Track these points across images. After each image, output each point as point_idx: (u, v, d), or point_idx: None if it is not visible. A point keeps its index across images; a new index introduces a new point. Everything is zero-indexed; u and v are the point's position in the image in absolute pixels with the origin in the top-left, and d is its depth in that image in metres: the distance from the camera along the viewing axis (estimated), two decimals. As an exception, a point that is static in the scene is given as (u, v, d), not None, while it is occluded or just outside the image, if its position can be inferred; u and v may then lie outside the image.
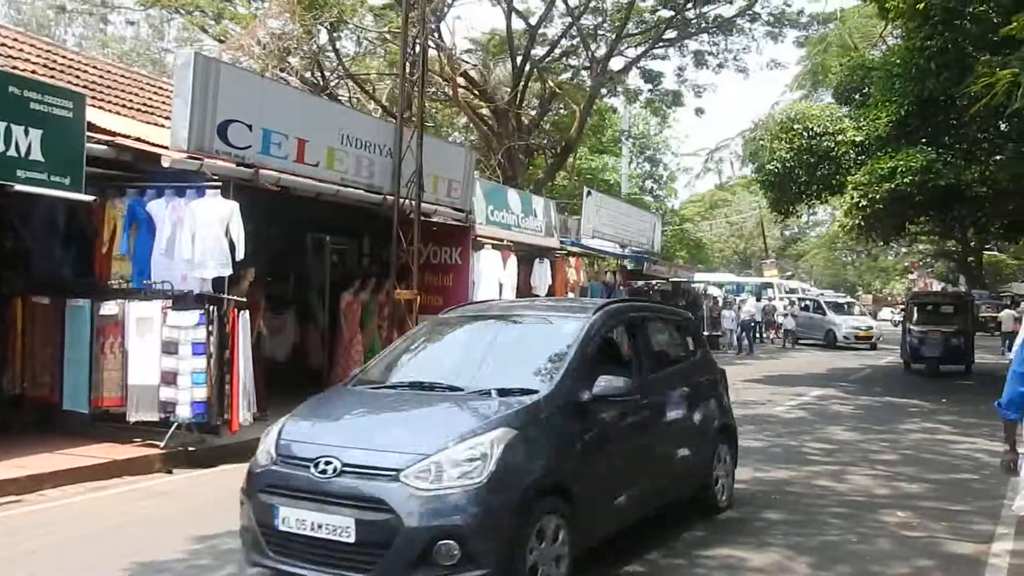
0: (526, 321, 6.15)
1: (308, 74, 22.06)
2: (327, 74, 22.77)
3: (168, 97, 12.00)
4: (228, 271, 8.50)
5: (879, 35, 21.79)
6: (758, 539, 6.16)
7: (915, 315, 20.48)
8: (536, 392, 4.87)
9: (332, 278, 13.51)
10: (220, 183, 8.55)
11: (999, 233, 23.56)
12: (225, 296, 8.61)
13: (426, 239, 13.10)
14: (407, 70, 12.19)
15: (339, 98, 23.60)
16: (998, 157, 15.64)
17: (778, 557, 5.72)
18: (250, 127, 9.27)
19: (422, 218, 12.08)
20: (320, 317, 13.36)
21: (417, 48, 12.21)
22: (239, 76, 10.13)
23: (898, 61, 15.30)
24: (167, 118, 10.41)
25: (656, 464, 5.93)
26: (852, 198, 15.06)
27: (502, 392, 4.89)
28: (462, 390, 5.06)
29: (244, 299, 8.93)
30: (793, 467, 8.81)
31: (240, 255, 8.56)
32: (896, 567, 5.58)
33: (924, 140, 15.47)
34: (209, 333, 8.29)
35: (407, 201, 11.64)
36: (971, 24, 13.06)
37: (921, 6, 13.02)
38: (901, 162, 14.30)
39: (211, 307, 8.38)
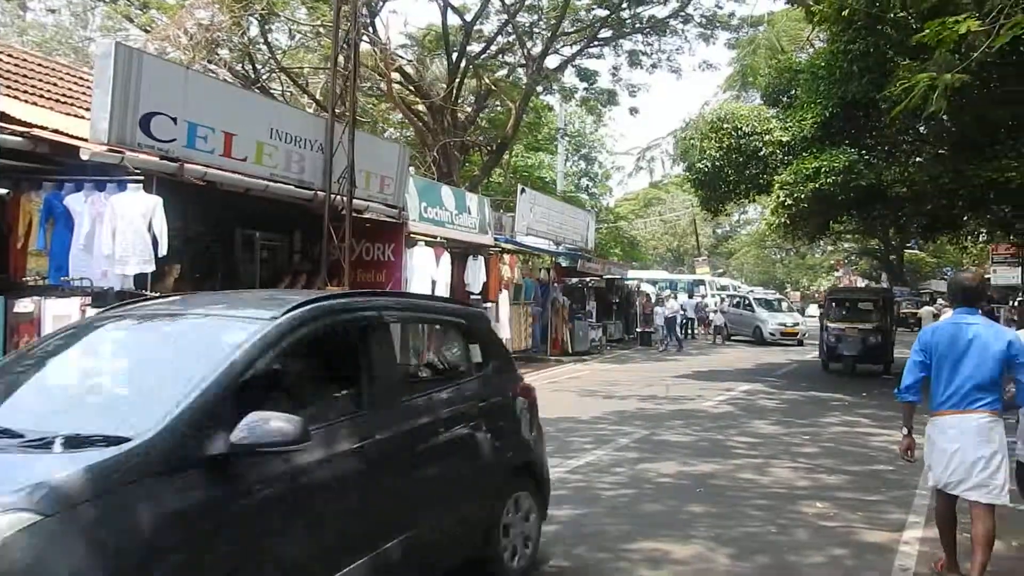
0: (182, 325, 4.13)
1: (239, 67, 21.65)
2: (259, 67, 22.38)
3: (89, 88, 11.63)
4: (151, 267, 8.30)
5: (806, 39, 22.36)
6: (683, 532, 6.28)
7: (832, 312, 19.58)
8: (127, 440, 2.96)
9: (262, 275, 13.27)
10: (142, 177, 8.34)
11: (918, 232, 24.44)
12: (148, 293, 8.40)
13: (358, 235, 13.01)
14: (339, 64, 12.07)
15: (271, 92, 23.22)
16: (917, 159, 16.24)
17: (701, 549, 5.86)
18: (175, 120, 9.07)
19: (354, 214, 11.98)
20: (250, 314, 13.10)
21: (350, 42, 12.10)
22: (163, 67, 9.88)
23: (823, 64, 15.73)
24: (87, 109, 10.10)
25: (377, 537, 3.95)
26: (778, 197, 15.44)
27: (71, 441, 3.01)
28: (20, 436, 3.11)
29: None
30: (718, 460, 9.00)
31: (163, 251, 8.36)
32: (812, 556, 5.75)
33: (847, 141, 15.95)
34: (131, 331, 8.07)
35: (339, 197, 11.53)
36: (892, 29, 13.50)
37: (845, 12, 13.42)
38: (825, 162, 14.71)
39: (133, 304, 8.16)
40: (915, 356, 5.03)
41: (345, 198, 11.52)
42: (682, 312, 29.26)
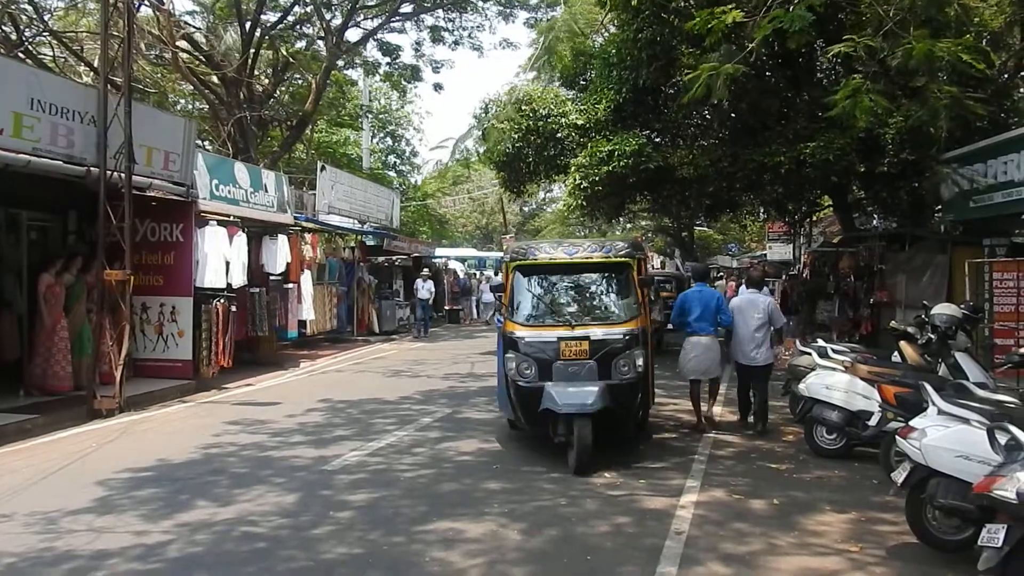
0: None
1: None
2: (23, 29, 20.21)
3: None
4: None
5: (600, 23, 23.08)
6: (477, 509, 6.37)
7: None
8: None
9: (31, 258, 12.11)
10: None
11: (703, 211, 26.06)
12: None
13: (142, 215, 12.18)
14: (113, 29, 11.13)
15: (41, 58, 21.10)
16: (701, 143, 17.24)
17: (493, 526, 5.97)
18: (-90, 86, 8.00)
19: (136, 192, 11.16)
20: (17, 302, 11.94)
21: (121, 3, 11.16)
22: None
23: (614, 51, 16.29)
24: None
25: None
26: (575, 180, 15.88)
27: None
28: None
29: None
30: (518, 438, 9.17)
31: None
32: (598, 526, 6.02)
33: (638, 125, 16.65)
34: None
35: (116, 174, 10.67)
36: (675, 18, 14.20)
37: (633, 0, 14.00)
38: (617, 146, 15.27)
39: None
40: (676, 306, 9.99)
41: (123, 175, 10.68)
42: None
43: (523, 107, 17.59)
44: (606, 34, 22.58)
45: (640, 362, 7.99)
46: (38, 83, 9.89)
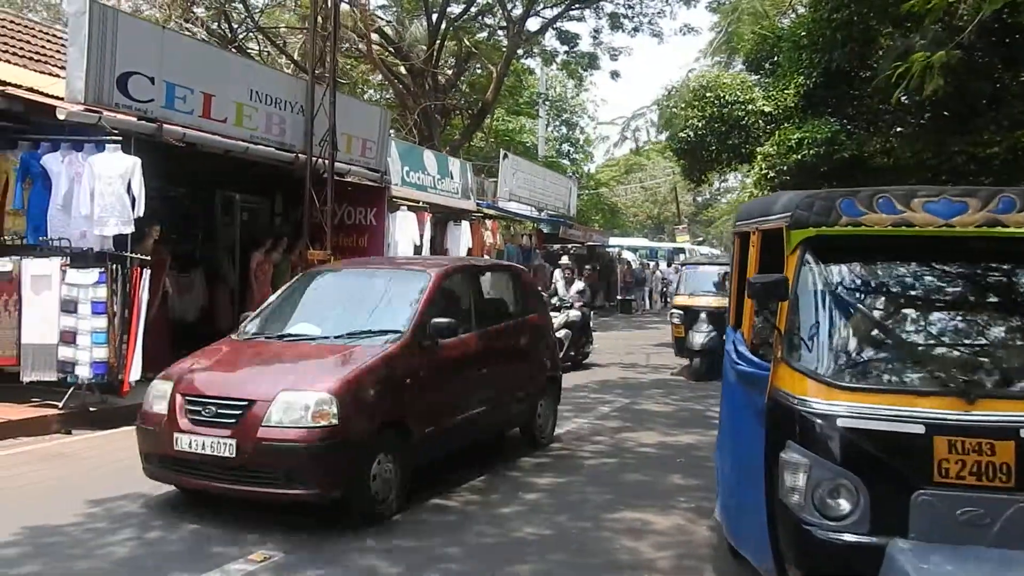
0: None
1: (215, 25, 21.19)
2: (235, 26, 21.91)
3: (63, 46, 11.37)
4: (130, 228, 8.19)
5: (788, 4, 22.17)
6: (664, 502, 6.34)
7: None
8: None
9: (242, 237, 13.15)
10: (120, 137, 8.18)
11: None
12: (128, 254, 8.28)
13: (340, 199, 12.87)
14: (318, 24, 11.85)
15: (249, 52, 22.79)
16: (899, 129, 16.21)
17: (681, 520, 5.91)
18: (152, 80, 8.89)
19: (336, 178, 11.85)
20: (230, 277, 13.01)
21: (329, 2, 11.86)
22: (138, 26, 9.66)
23: (804, 33, 15.60)
24: (62, 68, 9.87)
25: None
26: (761, 169, 15.37)
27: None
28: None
29: (148, 257, 8.62)
30: (699, 431, 8.95)
31: (141, 211, 8.25)
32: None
33: (829, 111, 15.88)
34: (112, 292, 7.98)
35: (320, 160, 11.39)
36: (876, -3, 13.40)
37: (829, -22, 13.34)
38: (807, 133, 14.63)
39: (113, 265, 8.06)
40: None
41: (326, 161, 11.38)
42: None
43: (707, 93, 17.18)
44: (793, 15, 21.68)
45: None
46: (256, 76, 10.76)
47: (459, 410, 6.59)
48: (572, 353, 13.45)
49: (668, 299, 31.93)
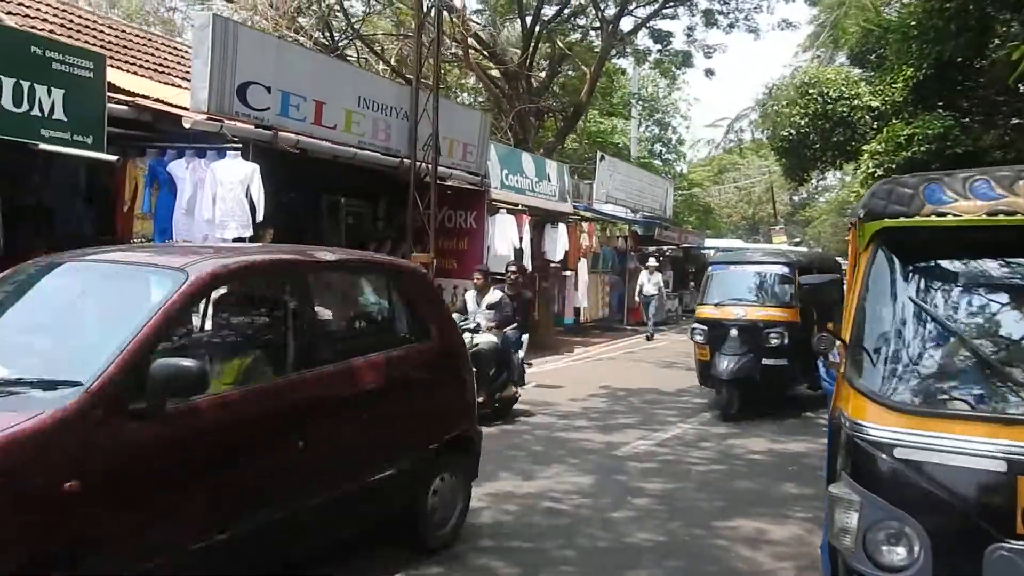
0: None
1: (318, 34, 21.83)
2: (336, 35, 22.52)
3: (183, 57, 11.94)
4: (249, 231, 8.51)
5: (895, -5, 21.37)
6: (778, 511, 6.22)
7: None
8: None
9: (347, 240, 13.50)
10: (240, 145, 8.54)
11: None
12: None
13: (441, 203, 13.06)
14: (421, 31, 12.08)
15: (348, 59, 23.38)
16: (1016, 121, 15.41)
17: (798, 531, 5.80)
18: (268, 89, 9.23)
19: (438, 182, 12.05)
20: (335, 280, 13.33)
21: (432, 10, 12.08)
22: (256, 38, 10.04)
23: (914, 23, 14.99)
24: (183, 79, 10.35)
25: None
26: (867, 167, 14.84)
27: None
28: None
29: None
30: (808, 439, 8.76)
31: (260, 216, 8.58)
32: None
33: (941, 105, 15.23)
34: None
35: (423, 164, 11.60)
36: (995, -20, 12.78)
37: (942, -35, 12.78)
38: (918, 129, 14.06)
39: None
40: None
41: (430, 165, 11.58)
42: None
43: (809, 90, 16.73)
44: (897, 6, 20.90)
45: None
46: (364, 83, 11.07)
47: (228, 521, 3.72)
48: (480, 399, 7.50)
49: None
